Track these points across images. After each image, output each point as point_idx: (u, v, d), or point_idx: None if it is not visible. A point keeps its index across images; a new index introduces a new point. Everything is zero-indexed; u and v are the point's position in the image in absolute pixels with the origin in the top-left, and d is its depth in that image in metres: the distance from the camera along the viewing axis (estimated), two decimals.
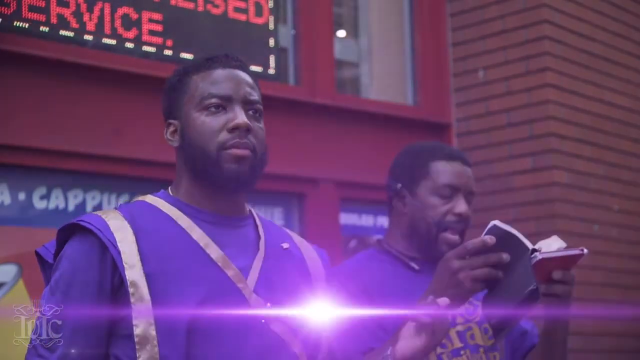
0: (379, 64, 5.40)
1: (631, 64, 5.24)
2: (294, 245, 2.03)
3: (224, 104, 1.90)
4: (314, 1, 4.65)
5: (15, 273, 3.59)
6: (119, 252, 1.78)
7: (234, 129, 1.88)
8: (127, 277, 1.76)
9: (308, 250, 2.05)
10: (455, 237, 2.42)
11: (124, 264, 1.77)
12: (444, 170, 2.45)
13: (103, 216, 1.85)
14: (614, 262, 4.88)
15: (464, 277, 2.09)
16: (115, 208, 1.91)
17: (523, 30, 4.82)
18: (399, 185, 2.49)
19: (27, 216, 3.69)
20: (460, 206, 2.42)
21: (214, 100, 1.90)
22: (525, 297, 2.04)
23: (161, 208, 1.91)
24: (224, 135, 1.87)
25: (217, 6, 4.20)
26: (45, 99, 3.70)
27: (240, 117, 1.88)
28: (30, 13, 3.62)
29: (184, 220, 1.88)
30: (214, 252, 1.85)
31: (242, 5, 4.29)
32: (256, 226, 1.98)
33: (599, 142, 4.94)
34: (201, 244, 1.85)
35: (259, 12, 4.36)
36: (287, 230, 2.09)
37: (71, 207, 3.76)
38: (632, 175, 5.13)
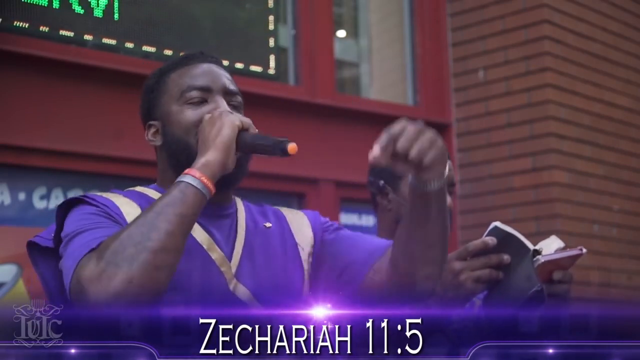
0: (379, 64, 5.40)
1: (631, 64, 5.23)
2: (280, 223, 1.97)
3: (205, 96, 1.89)
4: (314, 1, 4.65)
5: (15, 273, 3.60)
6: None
7: None
8: None
9: (297, 218, 1.99)
10: None
11: None
12: None
13: (105, 195, 1.85)
14: (614, 262, 4.88)
15: (465, 279, 2.10)
16: (110, 192, 1.90)
17: (523, 30, 4.82)
18: (382, 182, 2.50)
19: (27, 216, 3.69)
20: None
21: (194, 93, 1.89)
22: (529, 298, 2.06)
23: (151, 195, 1.91)
24: None
25: (217, 6, 4.20)
26: (46, 99, 3.69)
27: (223, 106, 1.87)
28: (30, 13, 3.62)
29: None
30: (200, 235, 1.83)
31: (242, 5, 4.29)
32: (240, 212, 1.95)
33: (599, 142, 4.94)
34: None
35: (259, 12, 4.36)
36: (276, 209, 2.02)
37: None
38: (632, 175, 5.13)
